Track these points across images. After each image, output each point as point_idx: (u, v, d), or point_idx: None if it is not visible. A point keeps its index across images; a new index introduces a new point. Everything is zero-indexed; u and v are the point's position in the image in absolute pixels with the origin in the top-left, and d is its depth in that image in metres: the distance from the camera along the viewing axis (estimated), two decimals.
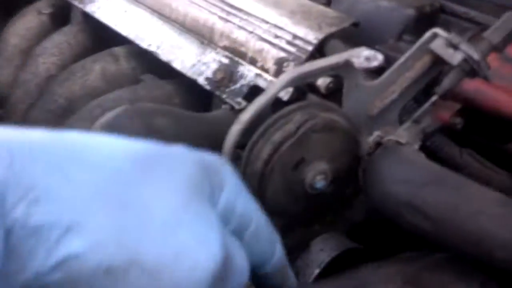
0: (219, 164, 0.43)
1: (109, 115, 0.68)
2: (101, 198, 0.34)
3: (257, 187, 0.60)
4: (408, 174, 0.57)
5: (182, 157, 0.41)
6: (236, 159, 0.66)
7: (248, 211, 0.43)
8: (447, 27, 0.72)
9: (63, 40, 0.98)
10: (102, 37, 0.99)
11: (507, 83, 0.69)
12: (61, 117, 0.84)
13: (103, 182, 0.35)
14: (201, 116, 0.72)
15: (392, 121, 0.70)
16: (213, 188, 0.40)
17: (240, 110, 0.72)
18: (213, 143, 0.70)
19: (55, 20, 1.06)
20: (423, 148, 0.68)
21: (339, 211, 0.72)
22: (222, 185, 0.41)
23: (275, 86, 0.64)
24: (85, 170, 0.35)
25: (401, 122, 0.70)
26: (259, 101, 0.64)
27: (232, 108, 0.73)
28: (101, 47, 0.95)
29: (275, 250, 0.46)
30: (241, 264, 0.41)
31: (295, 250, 0.66)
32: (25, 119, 0.88)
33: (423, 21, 0.78)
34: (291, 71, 0.65)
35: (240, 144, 0.64)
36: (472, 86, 0.69)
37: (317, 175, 0.61)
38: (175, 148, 0.41)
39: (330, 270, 0.69)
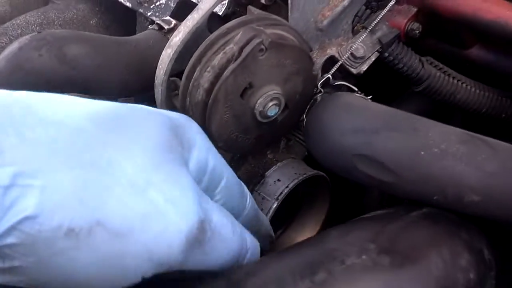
0: (186, 122, 0.42)
1: (11, 47, 0.57)
2: (59, 156, 0.32)
3: (201, 119, 0.53)
4: (357, 121, 0.48)
5: (149, 117, 0.39)
6: (174, 89, 0.57)
7: (219, 167, 0.42)
8: None
9: None
10: None
11: None
12: None
13: (63, 141, 0.33)
14: (123, 40, 0.62)
15: (344, 31, 0.62)
16: (183, 147, 0.39)
17: (170, 31, 0.62)
18: (141, 72, 0.61)
19: None
20: (381, 60, 0.61)
21: (295, 136, 0.65)
22: (192, 144, 0.40)
23: None
24: (42, 129, 0.33)
25: (354, 32, 0.63)
26: (192, 19, 0.55)
27: (160, 28, 0.62)
28: None
29: (246, 201, 0.47)
30: (221, 225, 0.40)
31: (250, 183, 0.61)
32: None
33: None
34: None
35: (176, 72, 0.56)
36: None
37: (268, 102, 0.53)
38: (139, 107, 0.39)
39: (291, 203, 0.64)
